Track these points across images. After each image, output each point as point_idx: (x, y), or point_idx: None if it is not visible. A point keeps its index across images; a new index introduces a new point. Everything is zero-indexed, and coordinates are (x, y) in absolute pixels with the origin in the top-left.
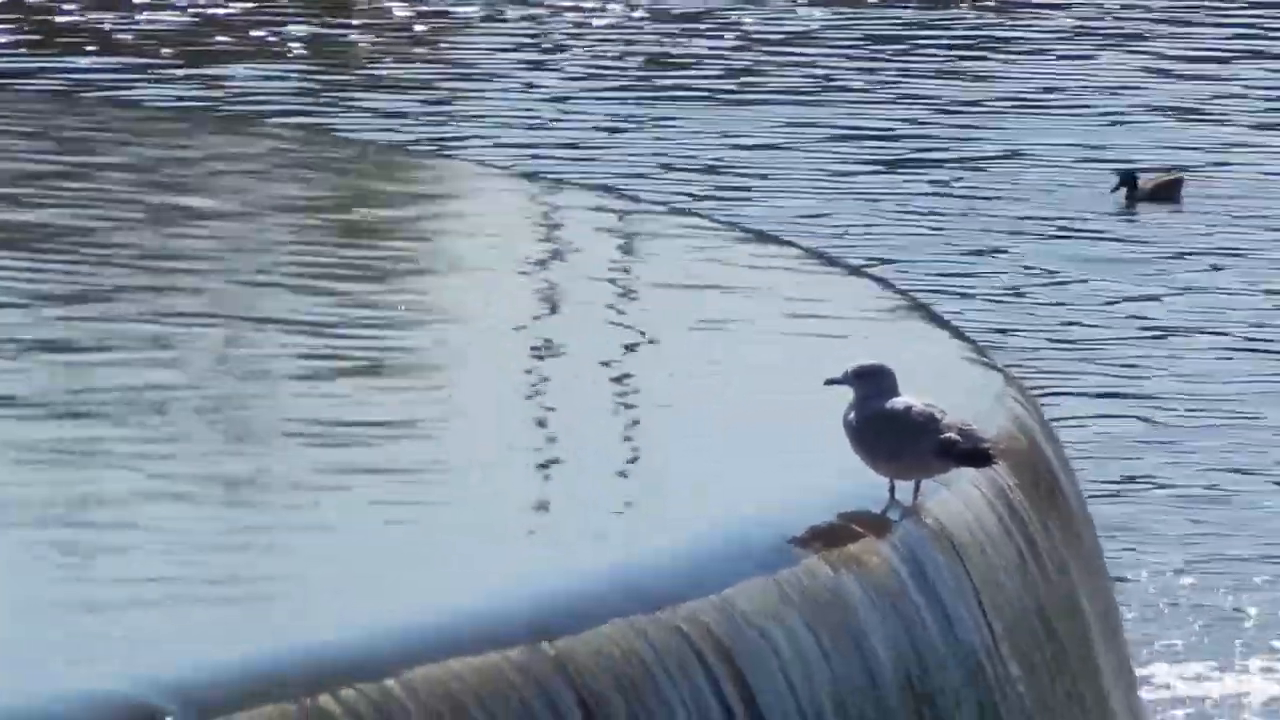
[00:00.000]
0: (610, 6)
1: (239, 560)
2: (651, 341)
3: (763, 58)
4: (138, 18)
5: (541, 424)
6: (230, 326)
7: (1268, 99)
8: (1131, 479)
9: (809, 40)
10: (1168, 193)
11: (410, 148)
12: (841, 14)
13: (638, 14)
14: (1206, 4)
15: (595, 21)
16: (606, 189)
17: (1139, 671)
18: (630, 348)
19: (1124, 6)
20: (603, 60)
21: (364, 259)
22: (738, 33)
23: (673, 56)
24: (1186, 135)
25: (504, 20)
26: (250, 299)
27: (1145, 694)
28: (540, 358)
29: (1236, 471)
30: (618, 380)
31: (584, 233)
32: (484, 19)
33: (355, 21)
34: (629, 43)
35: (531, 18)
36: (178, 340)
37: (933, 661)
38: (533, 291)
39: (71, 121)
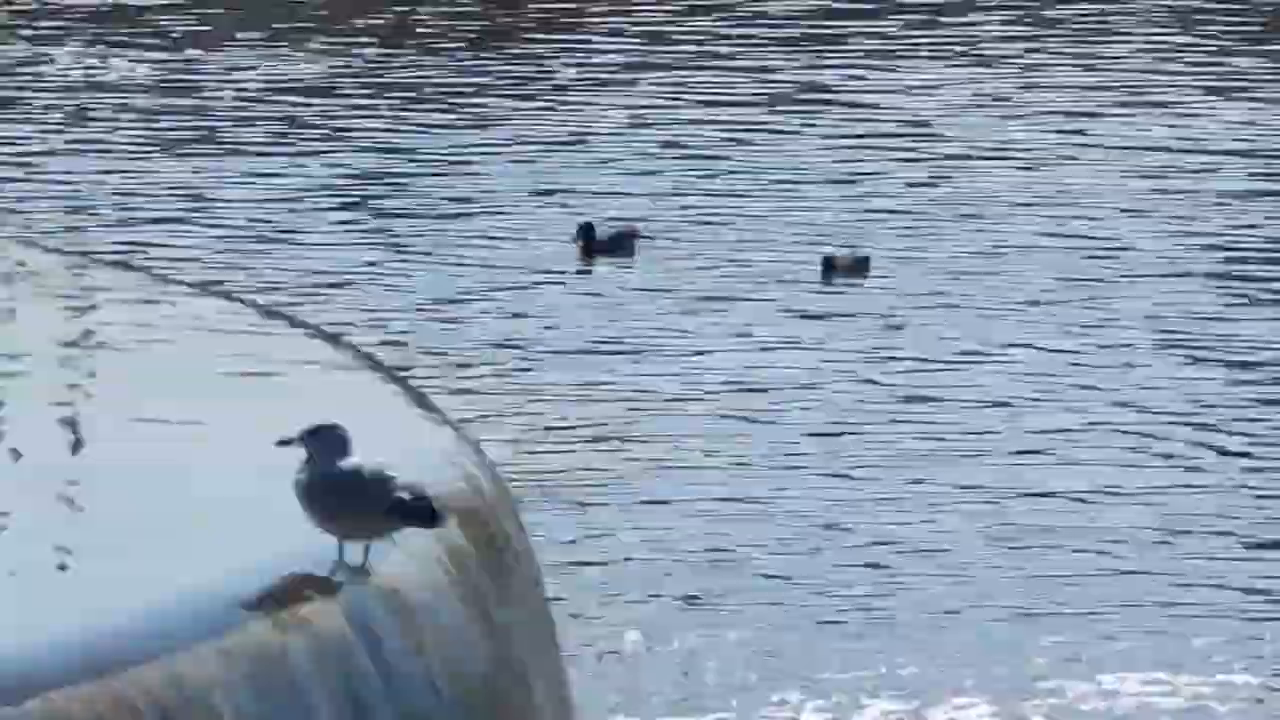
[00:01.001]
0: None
1: None
2: (109, 406)
3: (248, 103)
4: None
5: None
6: None
7: (730, 153)
8: (591, 531)
9: (279, 85)
10: (621, 245)
11: None
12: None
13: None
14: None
15: (132, 72)
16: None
17: None
18: (86, 412)
19: (604, 50)
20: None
21: None
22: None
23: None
24: (647, 185)
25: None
26: None
27: None
28: None
29: (705, 517)
30: (69, 444)
31: (37, 290)
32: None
33: None
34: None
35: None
36: None
37: None
38: None
39: None
